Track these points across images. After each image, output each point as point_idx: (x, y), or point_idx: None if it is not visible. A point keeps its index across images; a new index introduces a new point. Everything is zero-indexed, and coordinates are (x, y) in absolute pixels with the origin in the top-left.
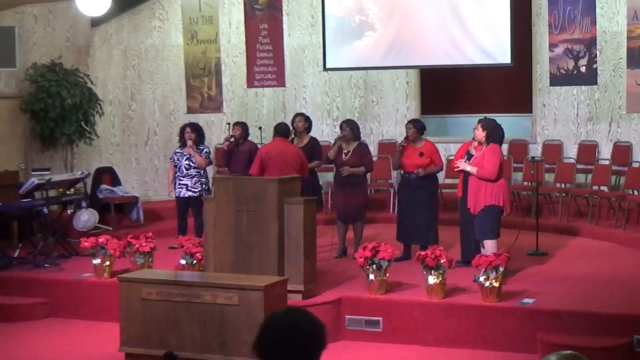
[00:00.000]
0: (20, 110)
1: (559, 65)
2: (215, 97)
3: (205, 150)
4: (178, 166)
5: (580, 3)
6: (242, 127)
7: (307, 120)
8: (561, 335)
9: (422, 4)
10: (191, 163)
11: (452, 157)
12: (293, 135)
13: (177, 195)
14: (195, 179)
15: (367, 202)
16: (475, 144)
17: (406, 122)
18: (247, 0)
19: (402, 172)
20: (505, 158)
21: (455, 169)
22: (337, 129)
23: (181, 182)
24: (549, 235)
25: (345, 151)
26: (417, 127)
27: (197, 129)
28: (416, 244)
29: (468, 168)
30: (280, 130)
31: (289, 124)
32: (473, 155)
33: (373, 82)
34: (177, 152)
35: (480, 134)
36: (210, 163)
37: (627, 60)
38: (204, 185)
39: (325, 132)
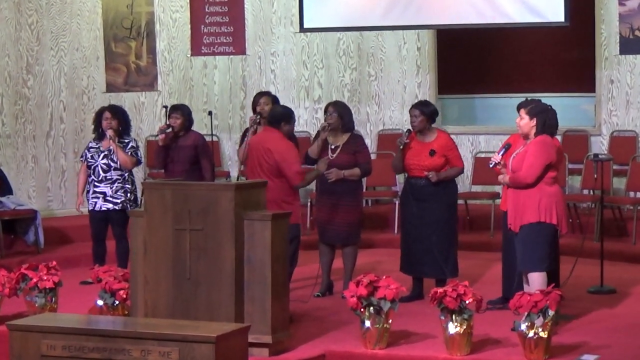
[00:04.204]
0: None
1: (632, 25)
2: (147, 69)
3: (131, 145)
4: (92, 167)
5: None
6: (183, 112)
7: (275, 101)
8: None
9: None
10: (111, 163)
11: (482, 155)
12: (256, 124)
13: (90, 208)
14: (116, 184)
15: (362, 218)
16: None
17: (411, 106)
18: None
19: (406, 176)
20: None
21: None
22: (320, 115)
23: (97, 189)
24: (619, 266)
25: (333, 146)
26: (426, 114)
27: (120, 115)
28: (429, 276)
29: (506, 179)
30: (269, 117)
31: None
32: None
33: (370, 49)
34: (92, 148)
35: (527, 124)
36: (138, 162)
37: None
38: (128, 194)
39: (302, 118)
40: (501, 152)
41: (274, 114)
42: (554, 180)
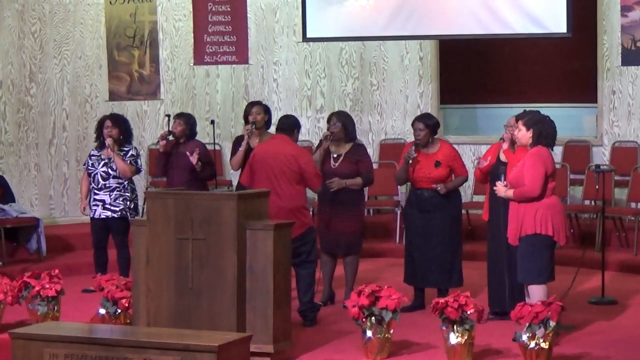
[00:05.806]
0: None
1: (635, 36)
2: (150, 77)
3: (130, 153)
4: (92, 175)
5: None
6: (186, 120)
7: (267, 112)
8: None
9: None
10: (110, 171)
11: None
12: (249, 133)
13: (91, 216)
14: (115, 192)
15: (363, 227)
16: (505, 146)
17: (414, 119)
18: None
19: (411, 187)
20: (557, 167)
21: (498, 193)
22: (323, 125)
23: (96, 197)
24: (620, 276)
25: (335, 155)
26: (430, 126)
27: (120, 123)
28: (432, 287)
29: (509, 194)
30: (281, 125)
31: (245, 115)
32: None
33: (373, 59)
34: (93, 155)
35: (525, 135)
36: (137, 171)
37: None
38: (127, 202)
39: (305, 128)
40: (503, 184)
41: (287, 122)
42: (551, 192)
